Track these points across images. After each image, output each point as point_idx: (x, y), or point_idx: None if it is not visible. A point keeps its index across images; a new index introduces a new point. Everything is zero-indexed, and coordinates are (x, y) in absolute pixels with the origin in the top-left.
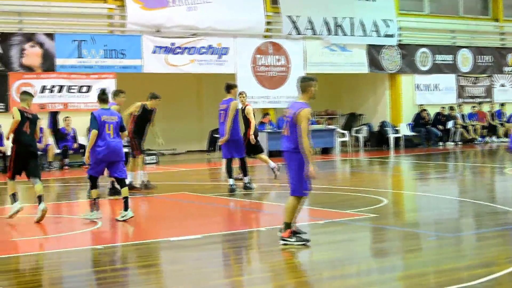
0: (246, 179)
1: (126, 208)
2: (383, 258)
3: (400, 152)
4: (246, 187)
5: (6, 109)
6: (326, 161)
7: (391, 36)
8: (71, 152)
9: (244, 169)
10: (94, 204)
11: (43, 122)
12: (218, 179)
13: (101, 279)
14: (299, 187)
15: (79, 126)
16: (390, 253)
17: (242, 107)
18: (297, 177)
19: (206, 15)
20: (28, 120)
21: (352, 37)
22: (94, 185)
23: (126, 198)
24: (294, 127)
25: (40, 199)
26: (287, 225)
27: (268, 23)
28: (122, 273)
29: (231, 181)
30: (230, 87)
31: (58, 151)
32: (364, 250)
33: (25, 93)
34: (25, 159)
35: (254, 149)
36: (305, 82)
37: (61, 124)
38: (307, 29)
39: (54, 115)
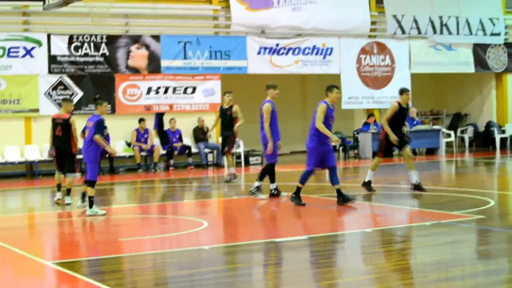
0: (272, 186)
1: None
2: (489, 261)
3: (507, 152)
4: (273, 194)
5: (113, 111)
6: (431, 161)
7: (498, 34)
8: (176, 153)
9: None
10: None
11: (148, 123)
12: (322, 180)
13: (206, 279)
14: None
15: (184, 127)
16: (496, 255)
17: (227, 107)
18: None
19: (311, 15)
20: (59, 125)
21: (458, 36)
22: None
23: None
24: None
25: (68, 192)
26: None
27: (373, 22)
28: (227, 274)
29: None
30: (266, 88)
31: (163, 152)
32: (470, 252)
33: (62, 100)
34: (61, 157)
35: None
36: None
37: (167, 126)
38: (412, 28)
39: (160, 116)
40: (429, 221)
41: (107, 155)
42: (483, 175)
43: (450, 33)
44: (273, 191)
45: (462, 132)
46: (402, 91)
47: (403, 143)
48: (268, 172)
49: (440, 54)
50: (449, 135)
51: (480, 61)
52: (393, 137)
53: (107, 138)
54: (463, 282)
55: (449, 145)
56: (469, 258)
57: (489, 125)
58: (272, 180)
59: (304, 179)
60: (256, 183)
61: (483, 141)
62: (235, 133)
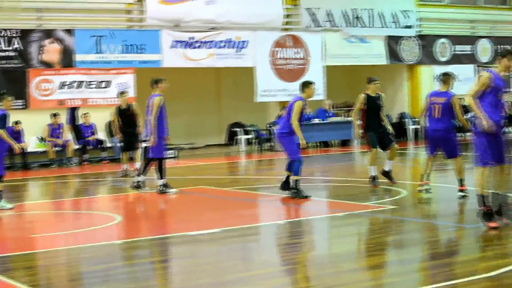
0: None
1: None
2: (402, 250)
3: (419, 143)
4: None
5: (26, 106)
6: (345, 153)
7: (410, 27)
8: (90, 147)
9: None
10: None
11: (62, 118)
12: (237, 173)
13: (119, 274)
14: None
15: (98, 122)
16: (408, 244)
17: (125, 107)
18: None
19: (225, 9)
20: None
21: (371, 29)
22: None
23: None
24: None
25: None
26: None
27: (287, 16)
28: (140, 268)
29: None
30: (155, 82)
31: (77, 146)
32: (383, 242)
33: None
34: None
35: (131, 146)
36: None
37: (80, 120)
38: (326, 21)
39: (73, 111)
40: (342, 212)
41: (20, 151)
42: (396, 165)
43: (363, 25)
44: (160, 188)
45: None
46: (370, 81)
47: (388, 142)
48: (158, 167)
49: (354, 47)
50: None
51: (393, 53)
52: (357, 131)
53: (18, 133)
54: (377, 271)
55: (362, 136)
56: (383, 248)
57: (402, 116)
58: (161, 176)
59: (297, 169)
60: (160, 182)
61: (396, 132)
62: (139, 132)
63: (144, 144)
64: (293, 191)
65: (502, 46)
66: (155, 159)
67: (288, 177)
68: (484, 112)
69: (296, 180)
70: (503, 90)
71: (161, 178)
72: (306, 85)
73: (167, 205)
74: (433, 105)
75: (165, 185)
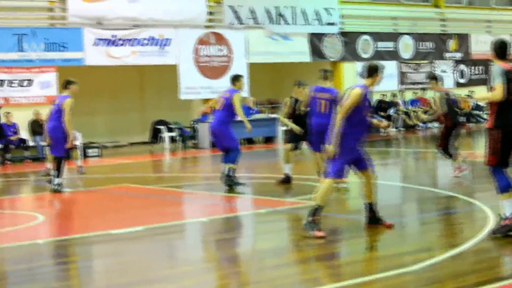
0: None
1: None
2: (327, 245)
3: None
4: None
5: None
6: (269, 150)
7: (333, 24)
8: (12, 147)
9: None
10: None
11: None
12: (161, 171)
13: (41, 273)
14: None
15: (20, 121)
16: (333, 240)
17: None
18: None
19: (148, 6)
20: None
21: (294, 26)
22: None
23: None
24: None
25: None
26: None
27: (210, 13)
28: (64, 267)
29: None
30: (67, 83)
31: None
32: (306, 238)
33: None
34: None
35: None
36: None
37: (2, 119)
38: (249, 18)
39: None
40: (264, 209)
41: None
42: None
43: (286, 23)
44: (55, 187)
45: None
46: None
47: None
48: (57, 166)
49: (277, 44)
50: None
51: (316, 50)
52: (295, 128)
53: None
54: (302, 266)
55: (286, 133)
56: (306, 243)
57: None
58: (59, 175)
59: (235, 158)
60: (57, 180)
61: None
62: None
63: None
64: (227, 178)
65: (423, 42)
66: (62, 157)
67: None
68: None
69: (233, 169)
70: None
71: (58, 177)
72: (236, 78)
73: (90, 204)
74: (318, 101)
75: (60, 184)
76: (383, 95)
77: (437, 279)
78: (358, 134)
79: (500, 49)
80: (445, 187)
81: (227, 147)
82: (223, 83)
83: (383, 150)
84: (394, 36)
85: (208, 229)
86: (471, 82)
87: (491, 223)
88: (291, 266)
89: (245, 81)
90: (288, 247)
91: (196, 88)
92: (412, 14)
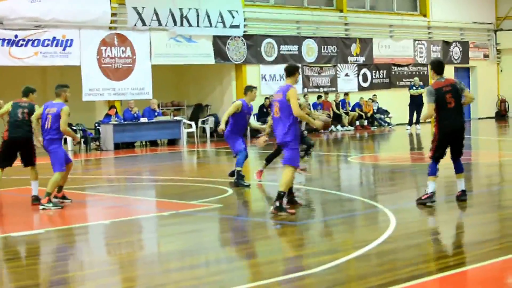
0: None
1: None
2: (231, 248)
3: (247, 142)
4: None
5: None
6: (173, 152)
7: (237, 27)
8: None
9: None
10: None
11: None
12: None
13: None
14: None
15: None
16: (237, 242)
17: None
18: None
19: (50, 7)
20: None
21: (198, 28)
22: None
23: None
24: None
25: None
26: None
27: (114, 14)
28: None
29: None
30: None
31: None
32: (210, 240)
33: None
34: None
35: None
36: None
37: None
38: (153, 20)
39: None
40: (167, 211)
41: None
42: (224, 164)
43: (190, 25)
44: None
45: (203, 122)
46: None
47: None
48: None
49: (181, 46)
50: (190, 126)
51: (220, 53)
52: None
53: None
54: (207, 269)
55: (190, 135)
56: (211, 246)
57: None
58: None
59: (240, 161)
60: None
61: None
62: None
63: None
64: (234, 181)
65: (327, 46)
66: None
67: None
68: None
69: (239, 171)
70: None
71: None
72: (248, 89)
73: None
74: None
75: None
76: (267, 98)
77: (340, 281)
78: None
79: (437, 67)
80: (349, 190)
81: (233, 150)
82: (127, 85)
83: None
84: (297, 40)
85: (111, 231)
86: (374, 86)
87: (393, 226)
88: (195, 269)
89: (149, 83)
90: (192, 250)
91: (99, 89)
92: (316, 18)
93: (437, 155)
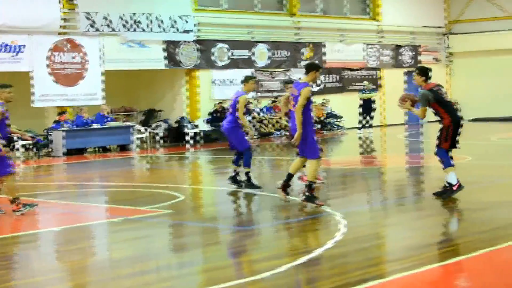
0: None
1: None
2: (182, 253)
3: (198, 147)
4: None
5: None
6: (124, 158)
7: (188, 32)
8: None
9: None
10: None
11: None
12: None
13: None
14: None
15: None
16: (188, 248)
17: None
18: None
19: (0, 12)
20: None
21: (149, 33)
22: None
23: None
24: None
25: None
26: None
27: (65, 19)
28: None
29: None
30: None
31: None
32: (162, 246)
33: None
34: None
35: None
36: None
37: None
38: (104, 25)
39: None
40: (118, 217)
41: None
42: (175, 170)
43: (141, 30)
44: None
45: (154, 128)
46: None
47: None
48: None
49: (132, 51)
50: (141, 131)
51: (171, 58)
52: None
53: None
54: (158, 275)
55: (141, 141)
56: (162, 251)
57: (180, 120)
58: None
59: (248, 160)
60: None
61: (176, 137)
62: None
63: None
64: (247, 183)
65: (278, 51)
66: None
67: (235, 172)
68: None
69: (248, 172)
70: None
71: None
72: (246, 79)
73: None
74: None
75: None
76: (219, 102)
77: (290, 286)
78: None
79: (427, 73)
80: (298, 194)
81: (237, 149)
82: (78, 91)
83: None
84: (249, 44)
85: (61, 238)
86: (326, 90)
87: (343, 229)
88: (146, 275)
89: (100, 88)
90: (143, 256)
91: (50, 95)
92: (267, 23)
93: (449, 145)
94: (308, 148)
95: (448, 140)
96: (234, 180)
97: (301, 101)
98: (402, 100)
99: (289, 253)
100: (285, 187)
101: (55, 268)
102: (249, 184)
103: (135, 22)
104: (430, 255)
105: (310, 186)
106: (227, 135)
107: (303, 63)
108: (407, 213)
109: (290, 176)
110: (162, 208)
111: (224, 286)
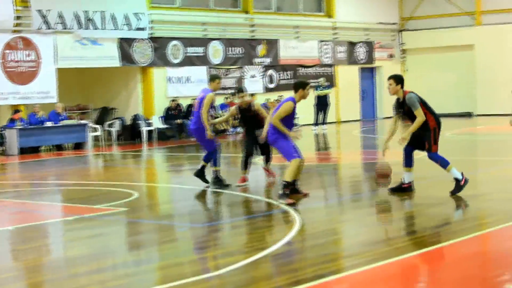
0: None
1: None
2: (138, 251)
3: (153, 145)
4: None
5: None
6: (78, 156)
7: (143, 29)
8: None
9: None
10: None
11: None
12: None
13: None
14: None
15: None
16: (143, 245)
17: None
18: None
19: None
20: None
21: (103, 31)
22: None
23: None
24: None
25: None
26: None
27: (18, 17)
28: None
29: None
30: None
31: None
32: (118, 244)
33: None
34: None
35: None
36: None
37: None
38: (58, 23)
39: None
40: (73, 216)
41: None
42: (130, 167)
43: (95, 28)
44: None
45: (109, 125)
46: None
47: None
48: None
49: (86, 49)
50: (96, 129)
51: (126, 56)
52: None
53: None
54: (114, 272)
55: (96, 139)
56: (118, 249)
57: (135, 118)
58: None
59: (216, 160)
60: None
61: (131, 135)
62: None
63: None
64: (215, 181)
65: (233, 48)
66: None
67: (203, 166)
68: None
69: (217, 171)
70: None
71: None
72: (212, 78)
73: None
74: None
75: None
76: (194, 99)
77: (245, 282)
78: None
79: (403, 81)
80: (255, 191)
81: (205, 148)
82: (32, 89)
83: (193, 155)
84: (203, 42)
85: (16, 237)
86: (280, 87)
87: (298, 226)
88: (102, 272)
89: (54, 86)
90: (98, 254)
91: (3, 94)
92: (222, 20)
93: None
94: (283, 153)
95: (437, 143)
96: (201, 173)
97: (280, 112)
98: (384, 175)
99: (245, 250)
100: (282, 188)
101: (10, 267)
102: (218, 182)
103: (89, 20)
104: (384, 250)
105: (284, 185)
106: (194, 136)
107: (258, 60)
108: (362, 209)
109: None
110: (117, 206)
111: (180, 283)
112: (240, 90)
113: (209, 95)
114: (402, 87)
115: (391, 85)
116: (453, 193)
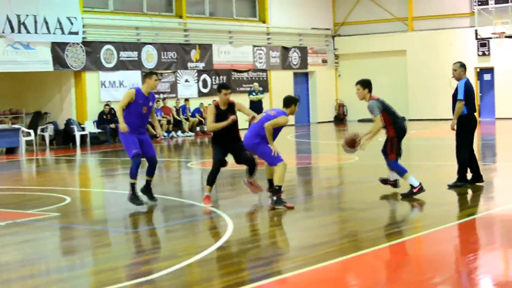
0: None
1: None
2: (71, 256)
3: (87, 149)
4: None
5: None
6: (11, 161)
7: (76, 33)
8: None
9: None
10: None
11: None
12: None
13: None
14: None
15: None
16: (77, 250)
17: None
18: None
19: None
20: None
21: (36, 35)
22: None
23: None
24: None
25: None
26: None
27: None
28: None
29: None
30: None
31: None
32: (51, 249)
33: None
34: None
35: None
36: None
37: None
38: None
39: None
40: (5, 221)
41: None
42: (63, 172)
43: (28, 32)
44: None
45: (42, 130)
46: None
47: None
48: None
49: (19, 53)
50: (28, 134)
51: (59, 60)
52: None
53: None
54: (48, 277)
55: (29, 143)
56: (51, 254)
57: (68, 122)
58: None
59: (132, 171)
60: None
61: (64, 139)
62: None
63: None
64: (129, 195)
65: (166, 52)
66: None
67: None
68: None
69: (132, 184)
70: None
71: None
72: (147, 75)
73: None
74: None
75: None
76: (107, 104)
77: (179, 287)
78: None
79: (371, 86)
80: (189, 195)
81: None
82: None
83: (126, 160)
84: (137, 46)
85: None
86: (214, 92)
87: (231, 230)
88: (35, 278)
89: None
90: (31, 259)
91: None
92: (155, 24)
93: (398, 154)
94: (266, 158)
95: (393, 151)
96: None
97: (273, 122)
98: (351, 143)
99: (178, 254)
100: (275, 193)
101: None
102: (133, 197)
103: (21, 24)
104: (317, 254)
105: (276, 190)
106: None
107: (192, 64)
108: (295, 213)
109: (270, 182)
110: (49, 211)
111: None
112: (224, 86)
113: (128, 92)
114: (370, 91)
115: (358, 90)
116: (404, 196)
